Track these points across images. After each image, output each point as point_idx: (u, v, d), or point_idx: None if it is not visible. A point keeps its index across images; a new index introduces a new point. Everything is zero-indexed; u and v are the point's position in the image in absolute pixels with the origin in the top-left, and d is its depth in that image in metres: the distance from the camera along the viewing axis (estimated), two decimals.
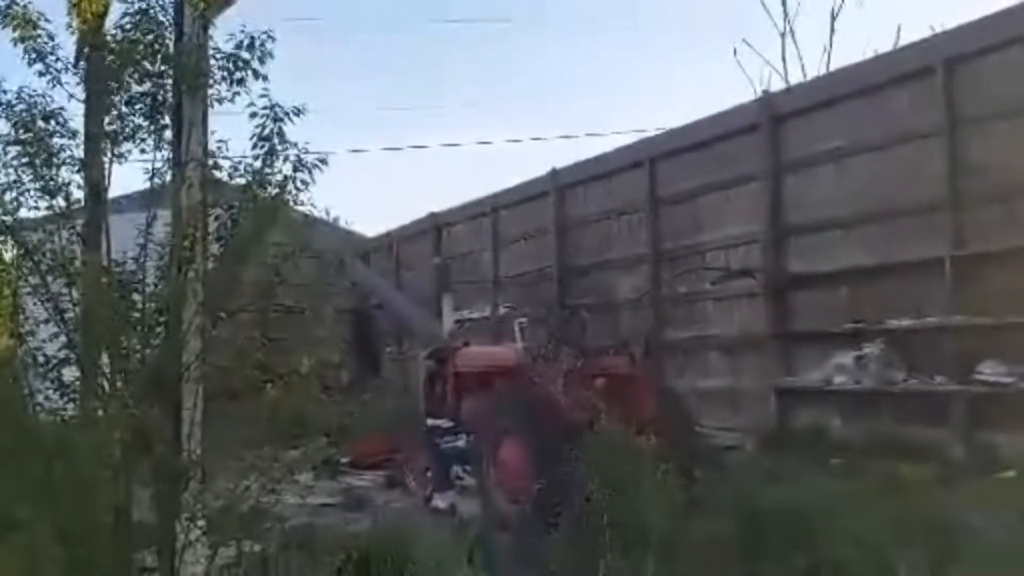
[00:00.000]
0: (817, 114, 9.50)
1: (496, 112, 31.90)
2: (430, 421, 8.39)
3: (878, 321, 8.55)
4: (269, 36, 5.16)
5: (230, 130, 5.45)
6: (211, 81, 5.06)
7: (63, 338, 4.88)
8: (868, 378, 8.47)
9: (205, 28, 5.07)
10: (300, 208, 5.40)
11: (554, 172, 13.18)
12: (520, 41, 31.76)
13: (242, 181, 5.17)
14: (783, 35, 18.92)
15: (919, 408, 8.10)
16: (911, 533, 5.12)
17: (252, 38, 5.11)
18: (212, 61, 5.11)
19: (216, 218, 5.03)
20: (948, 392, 7.85)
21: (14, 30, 4.96)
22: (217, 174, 5.25)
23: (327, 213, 6.60)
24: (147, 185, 5.29)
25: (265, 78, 5.14)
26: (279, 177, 5.01)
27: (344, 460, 9.59)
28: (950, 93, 8.10)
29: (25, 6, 4.94)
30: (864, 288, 8.91)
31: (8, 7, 4.93)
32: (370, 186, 25.43)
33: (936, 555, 4.85)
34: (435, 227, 16.03)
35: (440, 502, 7.78)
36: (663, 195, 11.36)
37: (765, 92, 10.87)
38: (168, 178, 5.17)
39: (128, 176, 5.50)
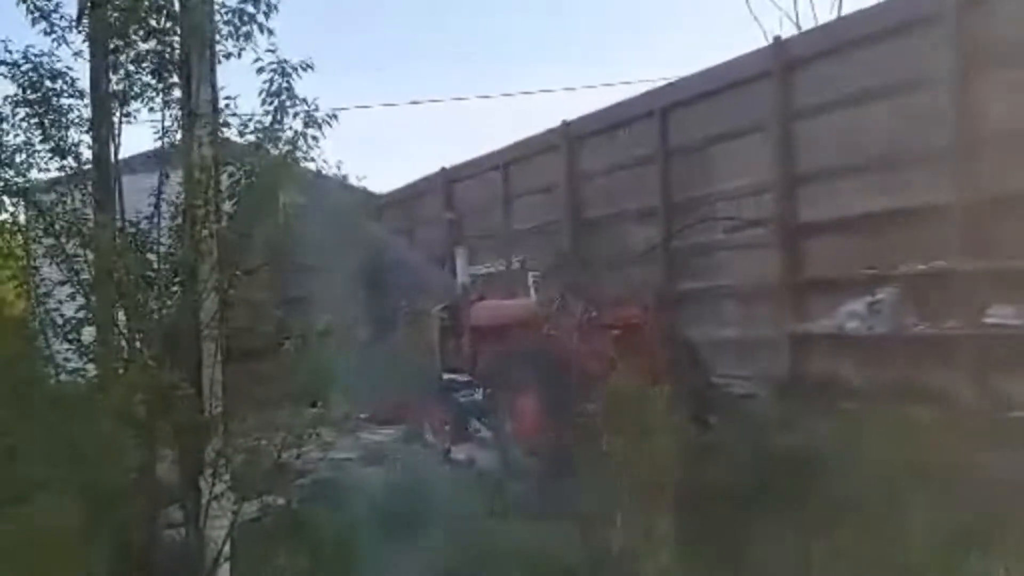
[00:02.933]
0: (827, 60, 9.38)
1: (505, 65, 31.57)
2: (446, 375, 8.45)
3: (889, 267, 8.51)
4: None
5: (238, 85, 5.45)
6: (217, 36, 5.06)
7: (80, 299, 4.94)
8: (880, 324, 8.45)
9: None
10: (310, 165, 5.42)
11: (565, 124, 13.09)
12: None
13: (252, 138, 5.20)
14: None
15: (930, 352, 8.09)
16: (924, 474, 5.16)
17: None
18: (217, 16, 5.10)
19: (229, 175, 5.04)
20: (958, 336, 7.84)
21: None
22: (227, 132, 5.26)
23: (338, 169, 6.60)
24: (157, 144, 5.32)
25: (271, 32, 5.13)
26: (289, 134, 5.03)
27: (363, 416, 9.67)
28: (961, 37, 7.99)
29: None
30: (875, 235, 8.85)
31: None
32: (381, 142, 25.28)
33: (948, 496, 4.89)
34: (446, 182, 15.97)
35: (459, 454, 7.85)
36: (674, 145, 11.28)
37: (776, 39, 10.72)
38: (178, 137, 5.19)
39: (138, 136, 5.51)
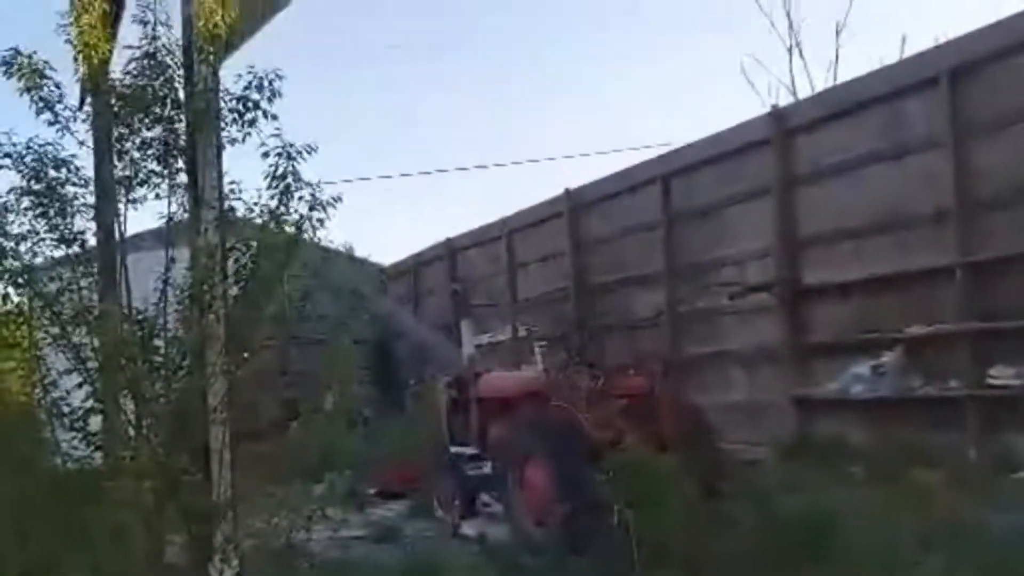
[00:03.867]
0: (826, 126, 9.54)
1: (508, 135, 31.93)
2: (454, 448, 8.40)
3: (892, 330, 8.56)
4: (277, 75, 5.20)
5: (244, 166, 5.50)
6: (222, 123, 5.11)
7: (86, 388, 4.92)
8: (885, 387, 8.48)
9: (215, 71, 5.11)
10: (315, 241, 5.45)
11: (567, 192, 13.22)
12: (527, 63, 31.86)
13: (258, 221, 5.23)
14: (790, 50, 19.00)
15: (935, 414, 8.11)
16: (932, 539, 5.13)
17: (261, 79, 5.15)
18: (222, 103, 5.16)
19: (235, 260, 5.07)
20: (962, 397, 7.87)
21: (20, 80, 4.99)
22: (233, 214, 5.29)
23: (343, 245, 6.60)
24: (163, 225, 5.35)
25: (275, 117, 5.18)
26: (295, 216, 5.07)
27: (371, 491, 9.61)
28: (956, 102, 8.14)
29: (30, 56, 4.98)
30: (878, 297, 8.93)
31: (13, 57, 4.96)
32: (385, 213, 25.46)
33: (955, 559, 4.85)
34: (451, 252, 16.07)
35: (469, 529, 7.77)
36: (677, 211, 11.40)
37: (774, 107, 10.89)
38: (184, 221, 5.23)
39: (143, 217, 5.55)
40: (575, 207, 13.06)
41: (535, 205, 13.96)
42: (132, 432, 4.89)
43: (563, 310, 12.59)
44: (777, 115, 10.37)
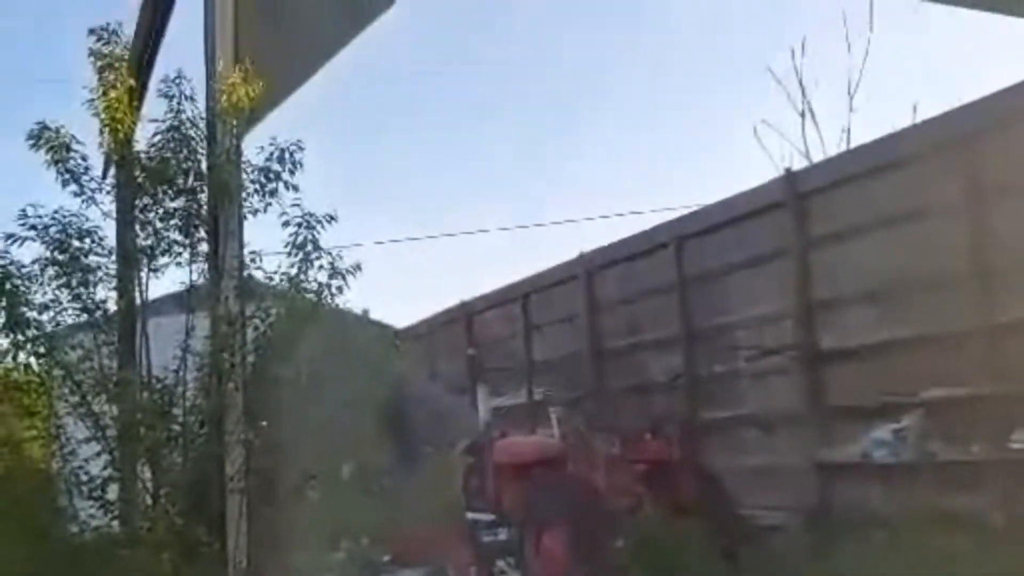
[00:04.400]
0: (841, 190, 9.54)
1: (523, 198, 32.13)
2: (471, 515, 8.35)
3: (913, 394, 8.48)
4: (299, 146, 5.32)
5: (264, 231, 5.57)
6: (244, 194, 5.20)
7: (105, 456, 4.95)
8: (906, 451, 8.38)
9: (238, 144, 5.21)
10: (333, 305, 5.49)
11: (582, 256, 13.25)
12: (540, 129, 32.15)
13: (277, 286, 5.29)
14: (802, 115, 19.10)
15: (958, 479, 8.00)
16: None
17: (282, 150, 5.25)
18: (244, 174, 5.26)
19: (254, 328, 5.12)
20: (985, 462, 7.77)
21: (47, 153, 5.11)
22: (253, 281, 5.36)
23: (359, 309, 6.68)
24: (182, 289, 5.41)
25: (296, 188, 5.29)
26: (314, 285, 5.13)
27: (386, 558, 9.53)
28: (971, 166, 8.14)
29: (58, 130, 5.11)
30: (897, 360, 8.84)
31: (42, 131, 5.09)
32: (401, 276, 25.54)
33: None
34: (467, 315, 16.08)
35: None
36: (692, 274, 11.37)
37: (788, 170, 10.94)
38: (205, 290, 5.29)
39: (164, 281, 5.61)
40: (590, 270, 13.06)
41: (550, 268, 13.98)
42: (150, 501, 4.91)
43: (579, 373, 12.55)
44: (791, 178, 10.40)
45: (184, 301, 5.45)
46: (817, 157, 17.78)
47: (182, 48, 6.80)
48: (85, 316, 5.22)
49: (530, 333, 14.29)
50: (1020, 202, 7.89)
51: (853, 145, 15.52)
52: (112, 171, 5.48)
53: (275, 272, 5.38)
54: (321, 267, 5.17)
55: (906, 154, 8.90)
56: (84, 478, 5.04)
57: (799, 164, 16.79)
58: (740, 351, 10.45)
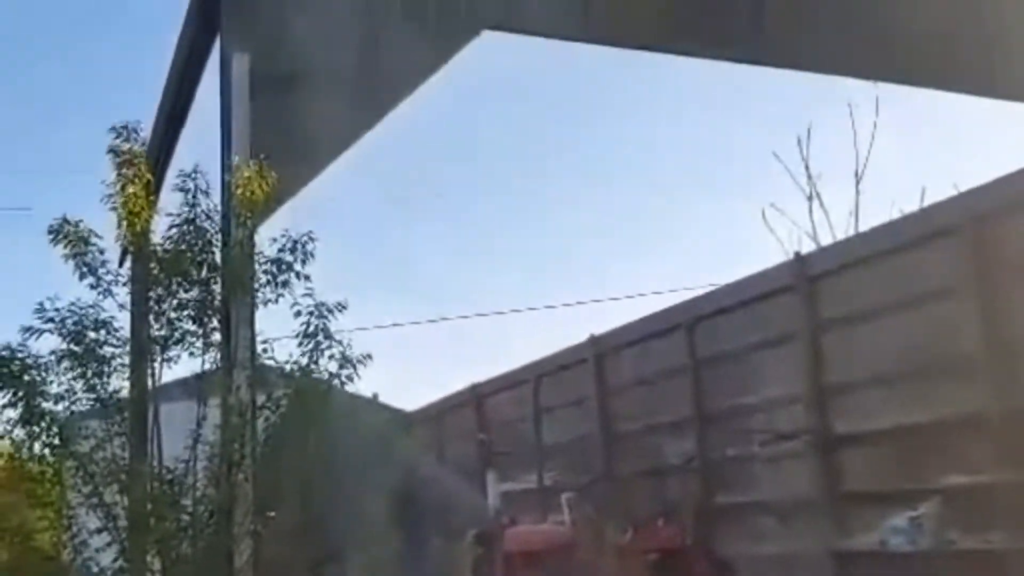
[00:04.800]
0: (850, 273, 9.56)
1: (534, 281, 32.28)
2: None
3: (929, 480, 8.39)
4: (310, 238, 5.40)
5: (277, 316, 5.62)
6: (256, 285, 5.27)
7: (116, 547, 4.94)
8: (924, 539, 8.25)
9: (251, 236, 5.30)
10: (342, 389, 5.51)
11: (592, 338, 13.25)
12: (550, 211, 32.45)
13: (287, 370, 5.32)
14: (809, 198, 19.28)
15: (976, 567, 7.87)
16: None
17: (295, 241, 5.33)
18: (256, 265, 5.33)
19: (265, 419, 5.14)
20: (1003, 551, 7.64)
21: (66, 246, 5.21)
22: (265, 367, 5.39)
23: (372, 395, 6.68)
24: (195, 376, 5.45)
25: (308, 278, 5.36)
26: (325, 374, 5.16)
27: None
28: (980, 249, 8.15)
29: (77, 224, 5.22)
30: (912, 446, 8.76)
31: (61, 225, 5.19)
32: (411, 358, 25.53)
33: None
34: (476, 398, 16.03)
35: None
36: (703, 357, 11.35)
37: (797, 254, 11.01)
38: (216, 378, 5.32)
39: (177, 367, 5.64)
40: (600, 353, 13.05)
41: (560, 351, 13.97)
42: None
43: (590, 457, 12.46)
44: (800, 261, 10.45)
45: (195, 388, 5.48)
46: (824, 238, 17.89)
47: (199, 139, 6.96)
48: (99, 406, 5.24)
49: (540, 417, 14.23)
50: None
51: (861, 227, 15.63)
52: (128, 262, 5.57)
53: (286, 361, 5.41)
54: (332, 356, 5.21)
55: (916, 237, 8.94)
56: (95, 569, 5.02)
57: (807, 246, 16.91)
58: (754, 435, 10.39)
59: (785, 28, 9.49)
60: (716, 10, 9.22)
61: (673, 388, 11.77)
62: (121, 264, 5.63)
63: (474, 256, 30.52)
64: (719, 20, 9.18)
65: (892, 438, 9.02)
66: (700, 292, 12.16)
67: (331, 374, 5.22)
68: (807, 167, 19.35)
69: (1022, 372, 7.93)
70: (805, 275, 10.09)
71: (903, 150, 21.38)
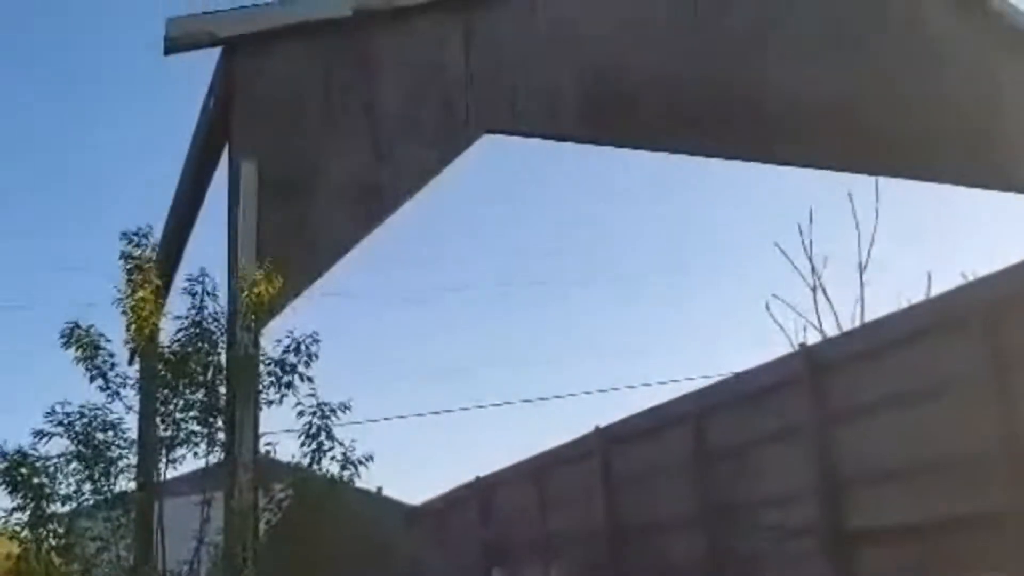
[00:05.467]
0: (858, 364, 9.53)
1: (539, 371, 32.40)
2: None
3: None
4: (314, 339, 5.50)
5: (279, 415, 5.69)
6: (261, 386, 5.35)
7: None
8: None
9: (256, 339, 5.40)
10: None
11: (598, 429, 13.21)
12: (557, 302, 32.71)
13: (290, 469, 5.37)
14: (813, 289, 19.32)
15: None
16: None
17: (299, 343, 5.43)
18: (261, 367, 5.42)
19: (267, 522, 5.18)
20: None
21: (77, 350, 5.34)
22: (268, 460, 5.44)
23: (376, 489, 6.71)
24: (199, 472, 5.50)
25: (311, 379, 5.45)
26: (327, 475, 5.21)
27: None
28: (990, 339, 8.11)
29: (88, 329, 5.35)
30: (927, 543, 8.62)
31: (72, 331, 5.32)
32: (415, 450, 25.52)
33: None
34: (481, 491, 15.93)
35: None
36: (711, 449, 11.28)
37: (803, 344, 11.04)
38: (220, 475, 5.37)
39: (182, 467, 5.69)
40: (606, 444, 13.00)
41: (565, 443, 13.94)
42: None
43: (596, 551, 12.34)
44: (806, 353, 10.44)
45: (199, 483, 5.53)
46: (830, 330, 17.92)
47: (207, 242, 7.13)
48: (104, 507, 5.28)
49: (546, 510, 14.12)
50: None
51: (867, 318, 15.65)
52: (136, 362, 5.67)
53: (289, 462, 5.47)
54: (333, 458, 5.27)
55: (923, 327, 8.94)
56: None
57: (813, 338, 16.94)
58: (763, 531, 10.29)
59: (783, 128, 9.73)
60: (716, 112, 9.47)
61: (681, 480, 11.70)
62: (131, 363, 5.73)
63: (481, 348, 30.68)
64: (719, 121, 9.43)
65: (907, 535, 8.89)
66: (706, 382, 12.18)
67: (333, 477, 5.26)
68: (810, 258, 19.43)
69: None
70: (811, 366, 10.09)
71: (906, 237, 21.55)
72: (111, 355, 5.43)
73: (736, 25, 9.81)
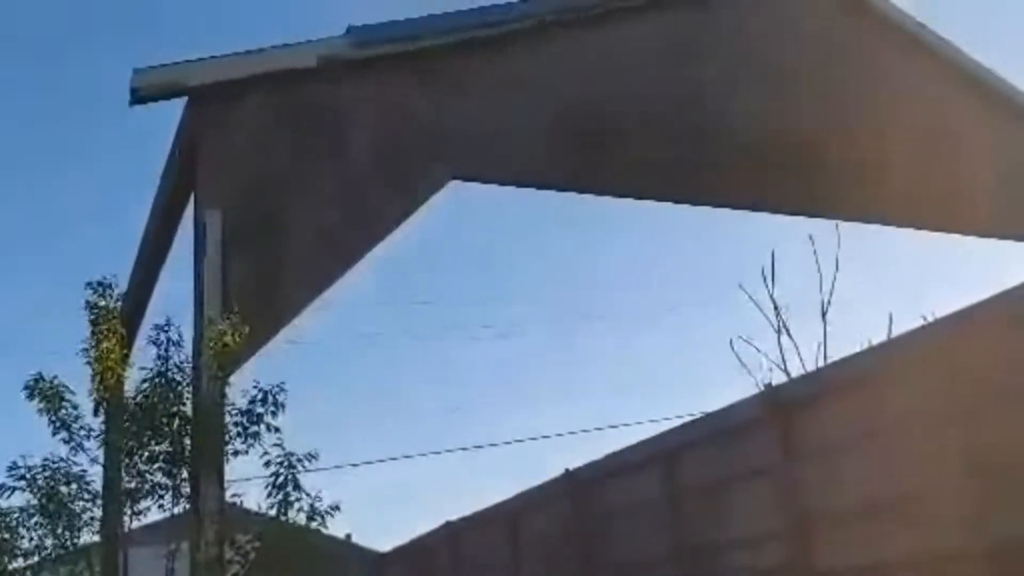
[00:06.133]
0: (823, 403, 9.59)
1: (506, 416, 32.42)
2: None
3: None
4: (281, 388, 5.50)
5: (248, 461, 5.66)
6: (227, 437, 5.34)
7: None
8: None
9: (222, 388, 5.39)
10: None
11: (568, 472, 13.20)
12: (520, 344, 32.82)
13: (257, 518, 5.34)
14: (777, 330, 19.56)
15: None
16: None
17: (265, 392, 5.43)
18: (227, 417, 5.41)
19: (234, 574, 5.14)
20: None
21: (41, 402, 5.29)
22: (236, 509, 5.40)
23: (345, 536, 6.68)
24: (162, 519, 5.45)
25: (277, 429, 5.43)
26: (294, 527, 5.18)
27: None
28: (950, 379, 8.21)
29: (52, 380, 5.31)
30: None
31: (37, 382, 5.28)
32: (384, 496, 25.35)
33: None
34: (451, 536, 15.83)
35: None
36: (680, 490, 11.30)
37: (768, 385, 11.12)
38: (184, 528, 5.33)
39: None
40: (576, 487, 12.98)
41: (536, 486, 13.90)
42: None
43: None
44: (771, 393, 10.51)
45: (165, 536, 5.48)
46: (795, 370, 18.13)
47: (174, 291, 7.12)
48: (67, 562, 5.22)
49: (518, 555, 14.05)
50: (1004, 413, 7.94)
51: (830, 358, 15.79)
52: (101, 413, 5.63)
53: (257, 510, 5.44)
54: (300, 509, 5.24)
55: (881, 368, 9.05)
56: None
57: (779, 377, 17.09)
58: (735, 570, 10.28)
59: (748, 175, 9.88)
60: (682, 159, 9.61)
61: (651, 522, 11.69)
62: (96, 414, 5.69)
63: (448, 393, 30.61)
64: (684, 168, 9.56)
65: (877, 573, 8.93)
66: (673, 423, 12.22)
67: (299, 528, 5.24)
68: (774, 300, 19.69)
69: (1006, 504, 7.90)
70: (777, 406, 10.15)
71: (868, 278, 21.85)
72: (75, 407, 5.39)
73: (703, 73, 10.00)
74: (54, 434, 5.35)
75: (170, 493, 5.43)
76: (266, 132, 7.57)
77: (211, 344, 5.29)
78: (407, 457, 25.67)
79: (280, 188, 7.12)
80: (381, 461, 26.61)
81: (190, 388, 5.46)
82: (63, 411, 5.32)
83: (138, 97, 7.30)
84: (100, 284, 5.63)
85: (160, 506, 5.45)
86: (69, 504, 5.22)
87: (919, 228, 11.17)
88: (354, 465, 21.22)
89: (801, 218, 11.61)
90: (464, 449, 27.85)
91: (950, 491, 8.27)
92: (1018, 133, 12.29)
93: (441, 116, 8.38)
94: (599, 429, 24.25)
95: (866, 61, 11.07)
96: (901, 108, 11.13)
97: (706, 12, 10.02)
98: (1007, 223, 11.64)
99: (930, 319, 10.48)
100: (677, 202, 9.90)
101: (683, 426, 11.77)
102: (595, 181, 9.32)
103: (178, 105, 7.73)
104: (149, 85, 7.54)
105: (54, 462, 5.29)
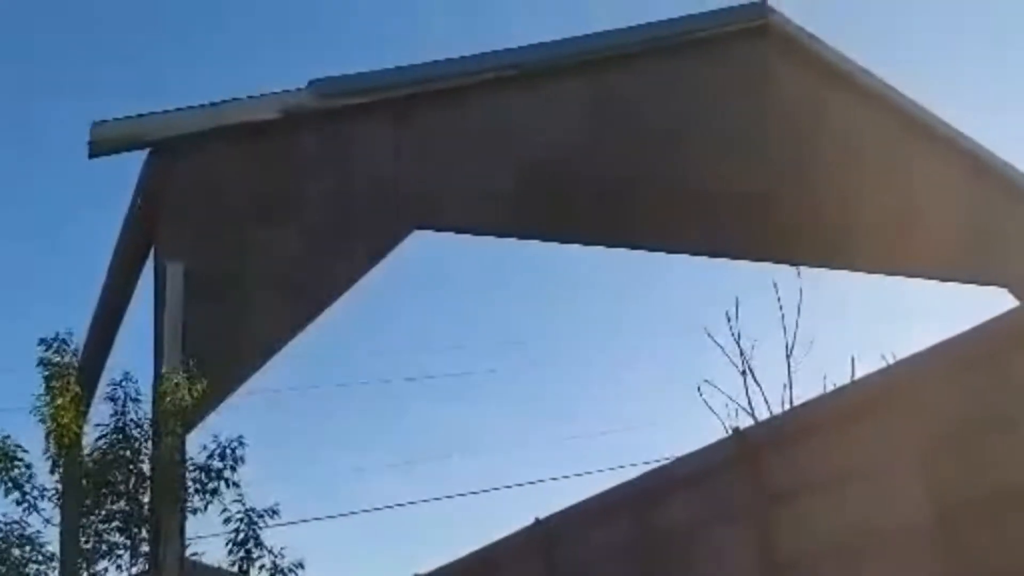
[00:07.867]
0: (792, 446, 9.61)
1: (471, 461, 32.22)
2: None
3: None
4: (240, 442, 5.40)
5: (209, 516, 5.55)
6: (185, 494, 5.23)
7: None
8: None
9: (181, 444, 5.30)
10: None
11: (538, 521, 13.09)
12: (482, 393, 32.79)
13: None
14: (743, 373, 19.73)
15: None
16: None
17: (224, 447, 5.34)
18: (186, 473, 5.31)
19: None
20: None
21: None
22: (197, 575, 5.29)
23: None
24: None
25: (237, 485, 5.33)
26: None
27: None
28: (912, 418, 8.24)
29: (4, 439, 5.18)
30: None
31: None
32: (351, 551, 25.02)
33: None
34: None
35: None
36: (652, 535, 11.25)
37: (736, 429, 11.13)
38: None
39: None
40: (547, 534, 12.88)
41: (506, 536, 13.78)
42: None
43: None
44: (740, 436, 10.51)
45: None
46: (760, 413, 18.23)
47: (134, 345, 7.02)
48: None
49: None
50: (970, 450, 7.96)
51: (796, 400, 15.85)
52: (57, 477, 5.51)
53: (218, 566, 5.33)
54: (263, 567, 5.14)
55: (846, 409, 9.06)
56: None
57: (745, 420, 17.17)
58: None
59: (703, 221, 9.96)
60: (641, 206, 9.68)
61: (623, 568, 11.60)
62: (52, 472, 5.57)
63: (414, 443, 30.37)
64: (645, 215, 9.62)
65: None
66: (643, 469, 12.18)
67: None
68: (738, 343, 19.86)
69: (970, 542, 7.90)
70: (746, 448, 10.13)
71: (830, 320, 22.01)
72: (28, 466, 5.26)
73: (656, 124, 10.11)
74: (6, 495, 5.22)
75: (128, 553, 5.30)
76: (227, 184, 7.53)
77: (168, 399, 5.21)
78: (379, 509, 25.38)
79: (241, 240, 7.06)
80: (339, 516, 26.21)
81: (148, 444, 5.36)
82: (15, 471, 5.19)
83: (97, 150, 7.24)
84: (55, 340, 5.53)
85: (118, 567, 5.32)
86: (23, 567, 5.08)
87: (872, 272, 11.32)
88: (317, 519, 20.92)
89: (765, 265, 11.73)
90: (425, 501, 27.49)
91: (917, 530, 8.27)
92: (964, 176, 12.53)
93: (403, 167, 8.39)
94: (567, 477, 24.13)
95: (812, 110, 11.26)
96: (851, 155, 11.31)
97: (641, 73, 10.15)
98: (959, 266, 11.83)
99: (890, 360, 10.56)
100: (633, 248, 9.96)
101: (652, 471, 11.71)
102: (558, 230, 9.35)
103: (140, 155, 7.67)
104: (108, 138, 7.49)
105: (6, 524, 5.15)
